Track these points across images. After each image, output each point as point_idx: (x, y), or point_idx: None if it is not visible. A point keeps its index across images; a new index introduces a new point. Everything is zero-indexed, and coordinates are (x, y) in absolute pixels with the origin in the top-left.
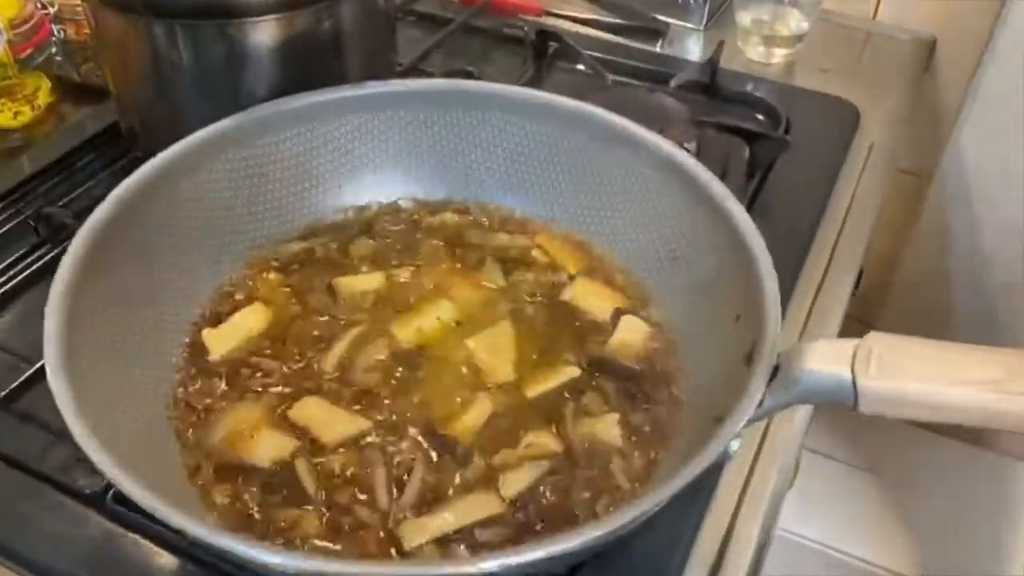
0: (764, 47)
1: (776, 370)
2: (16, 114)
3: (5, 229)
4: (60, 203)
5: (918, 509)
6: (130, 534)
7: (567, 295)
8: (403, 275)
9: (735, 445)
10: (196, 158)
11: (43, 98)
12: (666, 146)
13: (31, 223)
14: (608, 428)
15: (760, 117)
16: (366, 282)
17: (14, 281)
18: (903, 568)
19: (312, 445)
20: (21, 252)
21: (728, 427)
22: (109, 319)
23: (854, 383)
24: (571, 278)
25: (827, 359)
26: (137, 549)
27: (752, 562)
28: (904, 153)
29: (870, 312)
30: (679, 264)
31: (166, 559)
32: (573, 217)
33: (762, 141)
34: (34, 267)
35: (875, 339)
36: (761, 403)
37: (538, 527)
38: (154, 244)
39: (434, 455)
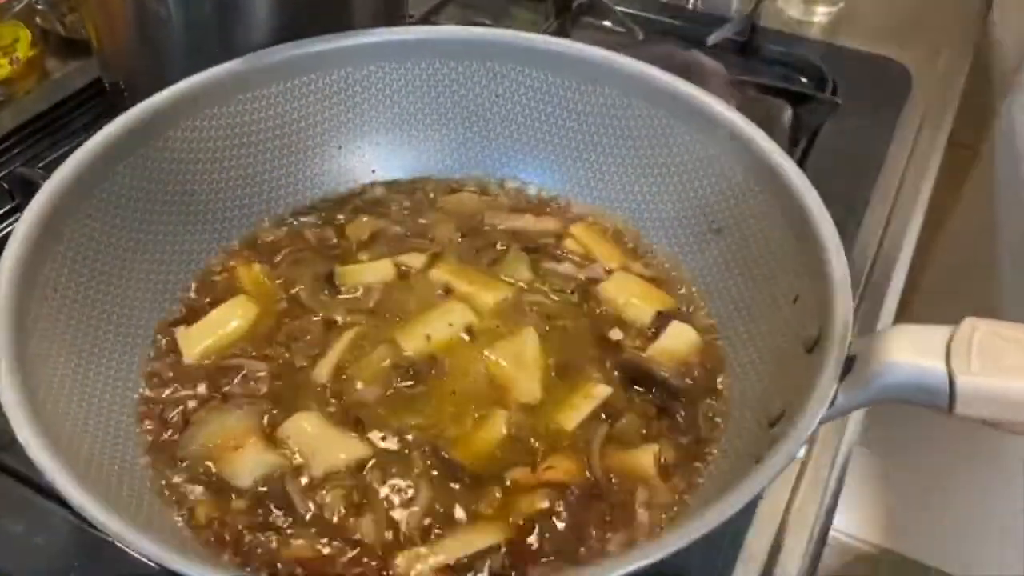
0: (805, 4)
1: (850, 362)
2: None
3: None
4: (41, 164)
5: (904, 482)
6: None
7: (602, 293)
8: (410, 265)
9: (800, 453)
10: (168, 116)
11: (22, 51)
12: (710, 102)
13: (4, 185)
14: (643, 460)
15: (803, 79)
16: (371, 272)
17: None
18: (884, 540)
19: (302, 469)
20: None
21: (792, 434)
22: (67, 306)
23: (951, 380)
24: (608, 272)
25: (915, 349)
26: (112, 550)
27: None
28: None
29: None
30: (723, 238)
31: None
32: (604, 192)
33: (809, 103)
34: (4, 232)
35: (974, 326)
36: (833, 402)
37: (544, 560)
38: (120, 218)
39: (440, 482)
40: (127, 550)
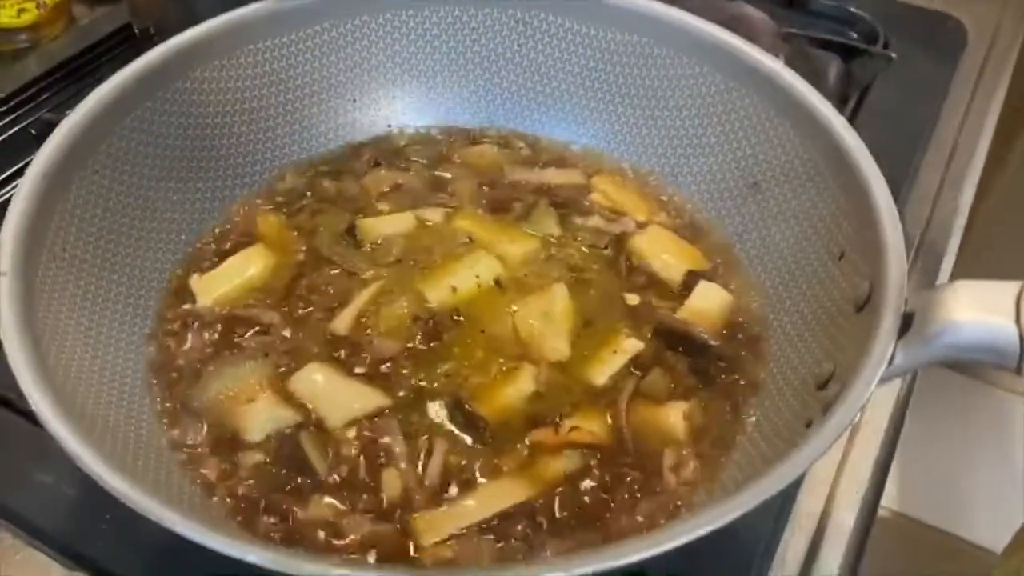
0: None
1: (908, 320)
2: (20, 11)
3: (4, 137)
4: (68, 111)
5: (919, 444)
6: None
7: (633, 248)
8: (432, 219)
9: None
10: (181, 63)
11: None
12: (751, 51)
13: (31, 131)
14: (671, 418)
15: (853, 34)
16: (393, 224)
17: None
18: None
19: (317, 422)
20: (22, 164)
21: (850, 395)
22: (76, 262)
23: (1022, 338)
24: (640, 226)
25: (981, 306)
26: None
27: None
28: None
29: None
30: (761, 193)
31: None
32: (633, 145)
33: (860, 58)
34: None
35: None
36: (891, 361)
37: (571, 524)
38: (130, 170)
39: (460, 435)
40: None
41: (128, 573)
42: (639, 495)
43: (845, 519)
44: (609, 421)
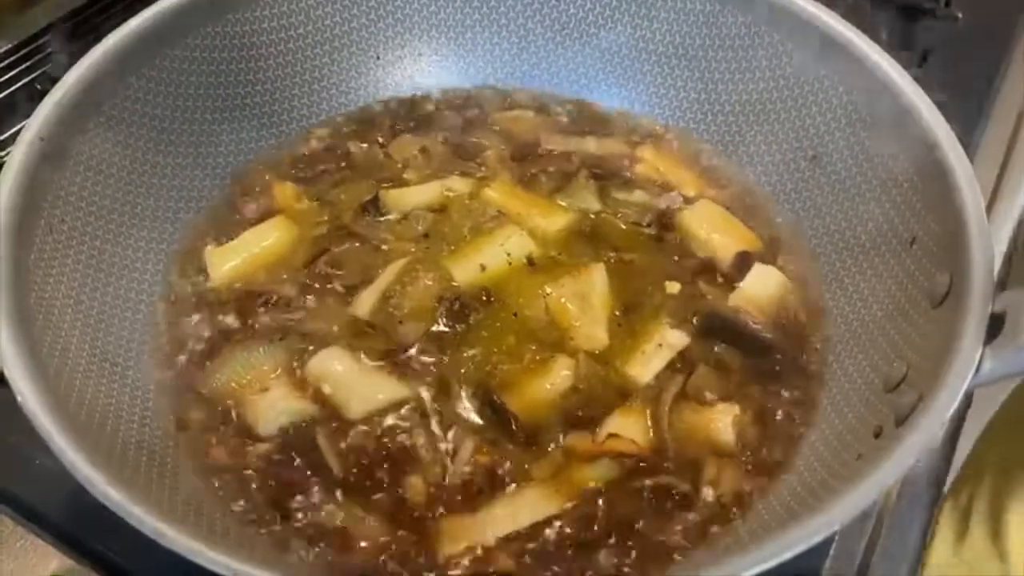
0: None
1: (998, 321)
2: None
3: (8, 92)
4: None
5: None
6: None
7: (681, 224)
8: (460, 190)
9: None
10: (194, 18)
11: None
12: (811, 8)
13: (37, 87)
14: (719, 424)
15: None
16: (418, 195)
17: None
18: None
19: (335, 414)
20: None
21: (933, 406)
22: (78, 218)
23: None
24: (687, 201)
25: None
26: None
27: None
28: None
29: None
30: (821, 167)
31: None
32: (679, 111)
33: (924, 19)
34: None
35: None
36: (979, 368)
37: (609, 541)
38: (140, 125)
39: (489, 435)
40: None
41: (129, 563)
42: (675, 511)
43: None
44: (650, 426)
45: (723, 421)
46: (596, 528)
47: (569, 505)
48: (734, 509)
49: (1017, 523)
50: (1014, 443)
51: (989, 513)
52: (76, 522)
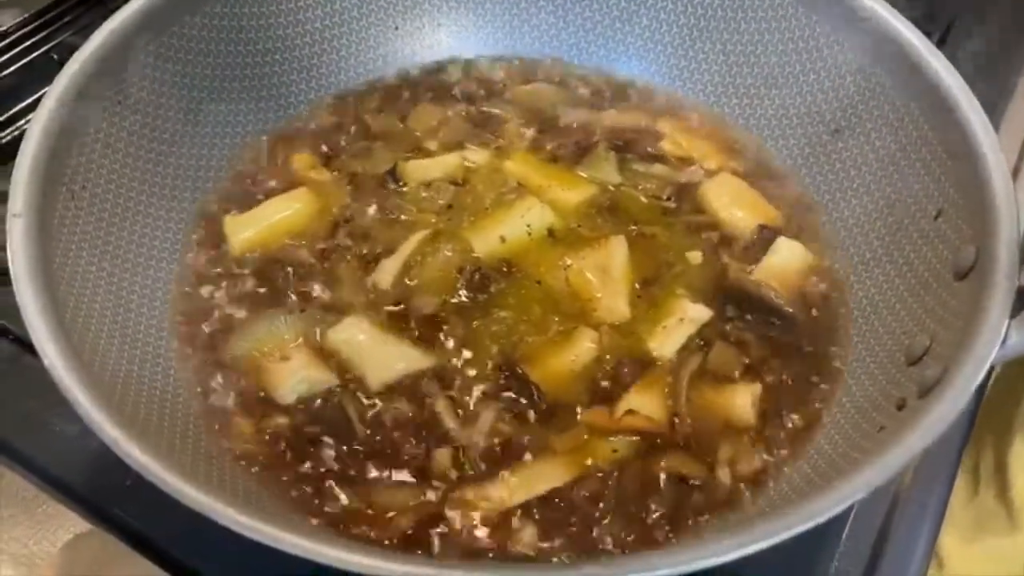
0: None
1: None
2: None
3: (25, 62)
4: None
5: None
6: None
7: (702, 198)
8: (480, 161)
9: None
10: None
11: None
12: None
13: (54, 57)
14: (739, 401)
15: None
16: (438, 167)
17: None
18: None
19: (355, 383)
20: (43, 92)
21: (958, 378)
22: (99, 185)
23: None
24: (708, 174)
25: None
26: None
27: None
28: None
29: None
30: (843, 140)
31: None
32: (700, 83)
33: None
34: None
35: None
36: (1005, 340)
37: (605, 522)
38: (160, 92)
39: (511, 405)
40: None
41: (148, 527)
42: (691, 489)
43: None
44: (669, 403)
45: (743, 399)
46: (609, 502)
47: (583, 478)
48: (751, 486)
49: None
50: (1012, 406)
51: (995, 471)
52: (95, 487)
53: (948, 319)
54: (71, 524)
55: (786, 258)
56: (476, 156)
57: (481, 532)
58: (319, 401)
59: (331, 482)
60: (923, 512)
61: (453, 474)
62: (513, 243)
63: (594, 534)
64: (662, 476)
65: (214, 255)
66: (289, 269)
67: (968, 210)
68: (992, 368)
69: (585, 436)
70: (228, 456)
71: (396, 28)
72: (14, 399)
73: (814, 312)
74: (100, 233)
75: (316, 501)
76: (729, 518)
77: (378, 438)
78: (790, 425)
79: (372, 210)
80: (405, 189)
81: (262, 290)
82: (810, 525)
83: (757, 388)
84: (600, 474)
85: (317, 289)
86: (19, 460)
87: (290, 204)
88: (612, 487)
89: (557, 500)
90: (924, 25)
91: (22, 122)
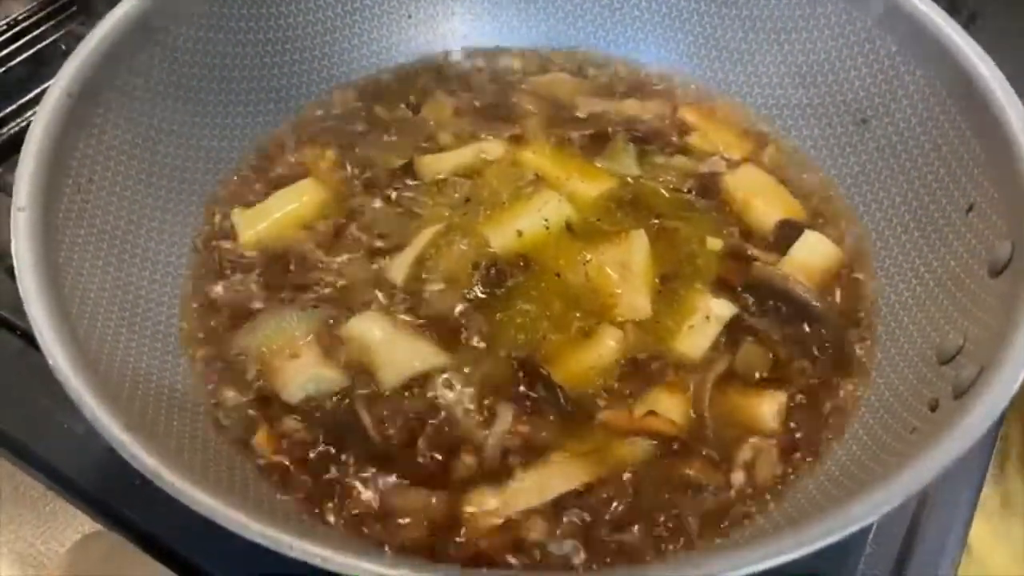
0: None
1: None
2: None
3: (33, 52)
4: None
5: None
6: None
7: (724, 190)
8: (496, 154)
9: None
10: None
11: None
12: None
13: (62, 47)
14: (765, 408)
15: None
16: (453, 160)
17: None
18: None
19: (368, 382)
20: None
21: (996, 381)
22: (106, 178)
23: None
24: (731, 165)
25: None
26: None
27: None
28: None
29: None
30: (871, 130)
31: None
32: (730, 74)
33: None
34: None
35: None
36: None
37: (623, 526)
38: (168, 82)
39: (530, 403)
40: None
41: (156, 527)
42: (710, 494)
43: None
44: (691, 406)
45: (768, 407)
46: (624, 505)
47: (598, 480)
48: (772, 493)
49: None
50: None
51: (1022, 449)
52: (104, 486)
53: (983, 317)
54: (79, 524)
55: (812, 252)
56: (492, 148)
57: (495, 535)
58: (330, 401)
59: (342, 485)
60: (953, 512)
61: (468, 476)
62: (530, 237)
63: (611, 539)
64: (683, 480)
65: (223, 249)
66: (299, 264)
67: (1004, 204)
68: None
69: (603, 438)
70: (238, 458)
71: (409, 17)
72: (20, 395)
73: (840, 307)
74: (107, 227)
75: (327, 504)
76: (755, 524)
77: (392, 440)
78: (815, 427)
79: (385, 204)
80: (421, 185)
81: (272, 285)
82: (845, 534)
83: (783, 396)
84: (618, 477)
85: (328, 284)
86: (26, 458)
87: (300, 196)
88: (630, 491)
89: (574, 502)
90: (949, 14)
91: (30, 113)
